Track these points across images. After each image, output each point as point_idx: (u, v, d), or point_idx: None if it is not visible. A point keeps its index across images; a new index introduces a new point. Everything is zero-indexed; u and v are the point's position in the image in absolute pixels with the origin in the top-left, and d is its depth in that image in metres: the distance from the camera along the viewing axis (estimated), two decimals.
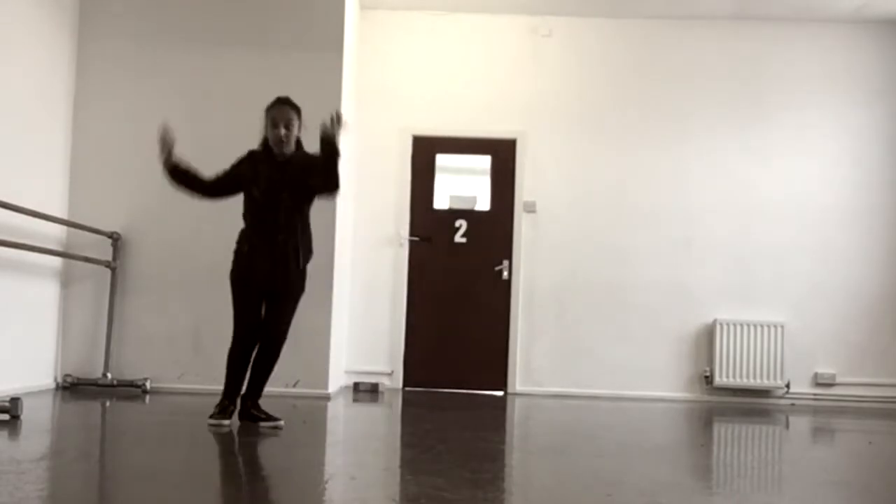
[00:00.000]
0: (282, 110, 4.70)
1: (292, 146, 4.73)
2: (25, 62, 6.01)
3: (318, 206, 6.59)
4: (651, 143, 7.96)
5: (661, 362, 7.79)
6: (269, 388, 6.38)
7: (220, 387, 6.40)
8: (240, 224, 6.83)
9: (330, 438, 4.68)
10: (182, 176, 4.80)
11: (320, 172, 4.65)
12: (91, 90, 6.69)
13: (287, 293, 4.76)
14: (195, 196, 4.90)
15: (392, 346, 7.86)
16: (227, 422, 4.66)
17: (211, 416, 4.67)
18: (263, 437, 4.43)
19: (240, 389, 4.80)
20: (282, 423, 4.70)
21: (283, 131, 4.67)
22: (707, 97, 7.98)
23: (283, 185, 4.69)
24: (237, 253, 4.79)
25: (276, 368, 6.45)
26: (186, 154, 6.64)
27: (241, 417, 4.76)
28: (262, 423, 4.71)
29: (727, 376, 7.70)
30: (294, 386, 6.49)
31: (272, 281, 4.71)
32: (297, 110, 4.74)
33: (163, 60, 6.72)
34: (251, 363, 4.81)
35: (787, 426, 6.14)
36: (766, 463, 4.46)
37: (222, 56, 6.73)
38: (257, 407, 4.79)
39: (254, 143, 6.63)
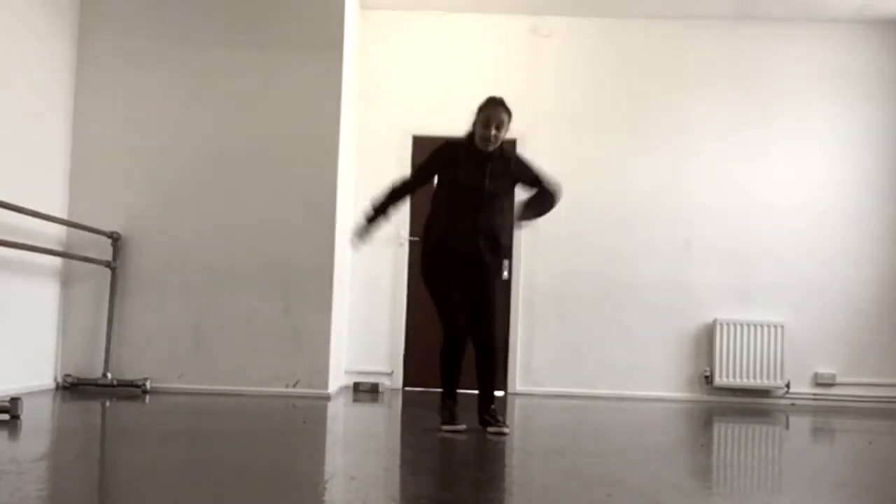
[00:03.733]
0: (496, 111, 4.84)
1: (495, 145, 4.85)
2: (25, 62, 6.01)
3: (318, 207, 6.63)
4: (651, 142, 7.97)
5: (661, 362, 7.79)
6: (268, 388, 6.44)
7: (220, 386, 6.47)
8: (235, 225, 6.85)
9: (330, 438, 4.68)
10: (388, 209, 4.96)
11: (538, 202, 4.96)
12: (91, 90, 6.69)
13: (484, 272, 4.81)
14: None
15: (392, 346, 7.86)
16: (462, 426, 4.70)
17: (443, 424, 4.73)
18: (263, 437, 4.44)
19: (456, 387, 4.86)
20: (506, 430, 4.71)
21: (493, 132, 4.80)
22: (707, 97, 7.99)
23: (485, 175, 4.81)
24: (428, 235, 4.91)
25: (277, 368, 6.50)
26: (186, 153, 6.70)
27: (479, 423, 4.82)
28: (489, 429, 4.72)
29: (727, 376, 7.70)
30: (294, 386, 6.49)
31: (468, 250, 4.76)
32: (509, 113, 4.88)
33: (163, 60, 6.73)
34: (476, 370, 4.86)
35: (787, 426, 6.14)
36: (766, 463, 4.46)
37: (222, 56, 6.73)
38: (489, 412, 4.80)
39: (253, 143, 6.68)
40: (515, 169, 4.96)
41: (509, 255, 5.03)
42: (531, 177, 5.00)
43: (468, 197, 4.81)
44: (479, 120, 4.86)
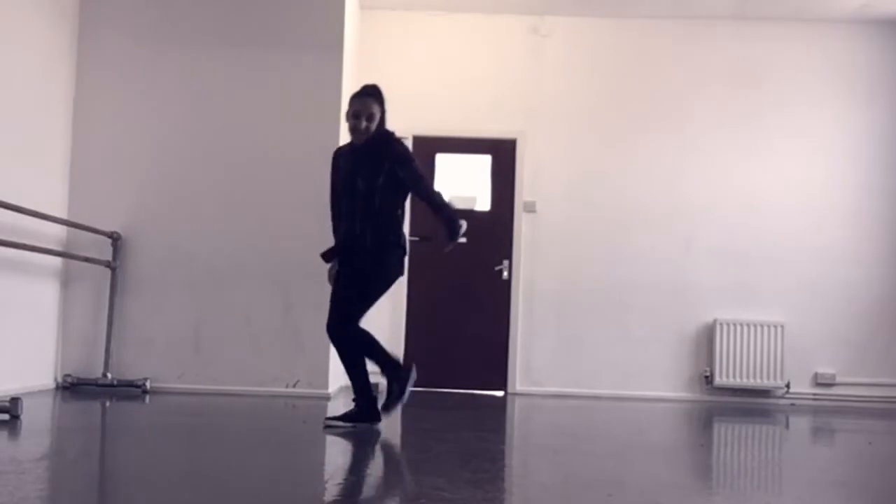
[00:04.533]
0: (363, 102, 4.69)
1: (366, 136, 4.69)
2: (25, 62, 6.01)
3: (318, 207, 6.62)
4: (651, 142, 7.97)
5: (661, 362, 7.79)
6: (268, 388, 6.44)
7: (220, 386, 6.48)
8: (235, 224, 6.87)
9: (330, 438, 4.68)
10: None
11: (443, 225, 4.72)
12: (91, 90, 6.69)
13: (350, 269, 4.73)
14: None
15: (392, 346, 7.83)
16: (342, 423, 4.75)
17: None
18: (263, 437, 4.44)
19: (356, 383, 4.91)
20: (333, 423, 4.77)
21: (361, 123, 4.67)
22: (707, 97, 7.99)
23: (356, 173, 4.69)
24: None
25: (277, 368, 6.50)
26: (186, 153, 6.70)
27: None
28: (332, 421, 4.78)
29: (727, 376, 7.71)
30: (294, 386, 6.49)
31: (344, 249, 4.72)
32: (380, 101, 4.72)
33: (163, 60, 6.73)
34: None
35: (787, 426, 6.14)
36: (766, 463, 4.46)
37: (222, 56, 6.73)
38: (354, 403, 4.86)
39: (254, 143, 6.69)
40: (388, 157, 4.68)
41: (396, 251, 4.79)
42: (404, 176, 4.70)
43: (344, 197, 4.72)
44: (349, 111, 4.72)
